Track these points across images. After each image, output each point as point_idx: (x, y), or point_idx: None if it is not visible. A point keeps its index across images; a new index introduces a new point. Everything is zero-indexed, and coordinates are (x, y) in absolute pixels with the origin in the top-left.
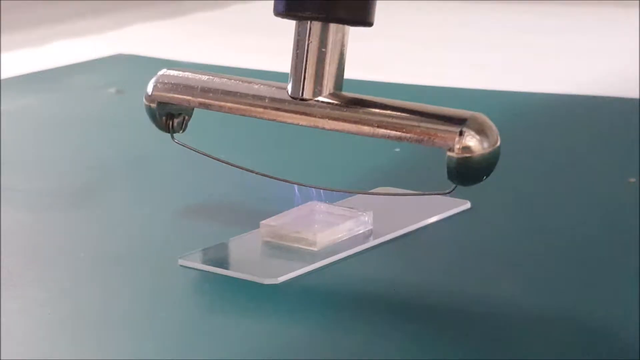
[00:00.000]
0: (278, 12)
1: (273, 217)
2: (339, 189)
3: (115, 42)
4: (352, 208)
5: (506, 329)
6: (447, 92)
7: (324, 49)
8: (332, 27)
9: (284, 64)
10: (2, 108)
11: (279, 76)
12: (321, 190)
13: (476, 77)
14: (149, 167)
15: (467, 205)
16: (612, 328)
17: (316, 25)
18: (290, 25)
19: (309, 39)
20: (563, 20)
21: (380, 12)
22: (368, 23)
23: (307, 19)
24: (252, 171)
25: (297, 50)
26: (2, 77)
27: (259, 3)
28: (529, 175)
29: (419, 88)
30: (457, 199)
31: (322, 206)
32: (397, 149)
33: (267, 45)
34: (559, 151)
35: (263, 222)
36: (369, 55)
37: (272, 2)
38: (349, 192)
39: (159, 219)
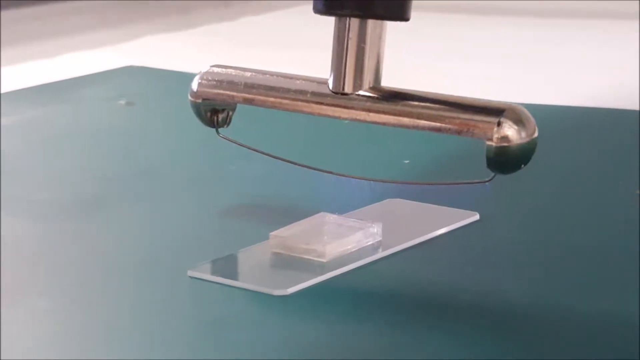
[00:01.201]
0: (318, 10)
1: (282, 229)
2: (376, 179)
3: (125, 54)
4: (361, 220)
5: (515, 340)
6: None
7: (363, 44)
8: (371, 23)
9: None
10: (13, 119)
11: None
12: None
13: (477, 90)
14: (158, 179)
15: (476, 217)
16: (622, 334)
17: (355, 22)
18: (298, 38)
19: (348, 35)
20: (565, 34)
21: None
22: (405, 18)
23: (346, 15)
24: (294, 162)
25: (337, 46)
26: (14, 89)
27: (268, 16)
28: (535, 187)
29: None
30: (465, 211)
31: (331, 217)
32: (407, 161)
33: (277, 58)
34: (564, 162)
35: (272, 233)
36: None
37: (281, 15)
38: (385, 182)
39: (168, 230)
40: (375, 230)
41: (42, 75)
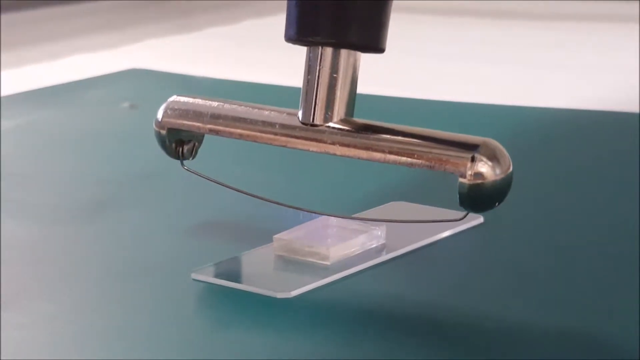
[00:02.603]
0: (289, 38)
1: (286, 231)
2: (344, 216)
3: (128, 56)
4: (365, 222)
5: (519, 343)
6: (448, 107)
7: (335, 75)
8: (344, 52)
9: (297, 79)
10: (16, 122)
11: (292, 90)
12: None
13: (479, 92)
14: (162, 182)
15: (480, 220)
16: (623, 339)
17: (327, 51)
18: None
19: (320, 65)
20: (565, 36)
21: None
22: (380, 49)
23: (318, 44)
24: (261, 198)
25: (308, 75)
26: (17, 91)
27: (272, 19)
28: (538, 190)
29: (420, 102)
30: (470, 214)
31: (335, 220)
32: None
33: (280, 60)
34: (566, 165)
35: (276, 236)
36: (378, 69)
37: (284, 18)
38: (356, 219)
39: (172, 233)
40: (379, 233)
41: (45, 78)
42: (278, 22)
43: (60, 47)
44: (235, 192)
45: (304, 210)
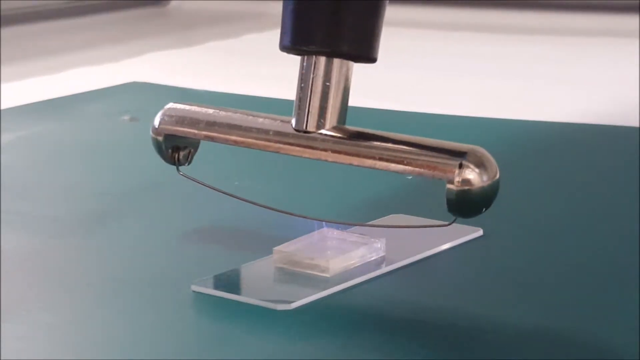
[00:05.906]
0: (284, 47)
1: (286, 244)
2: (343, 222)
3: (129, 70)
4: (364, 235)
5: (519, 355)
6: (448, 120)
7: (328, 83)
8: (337, 62)
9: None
10: (17, 134)
11: (291, 104)
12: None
13: (478, 106)
14: (162, 193)
15: (480, 232)
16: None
17: (321, 60)
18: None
19: (313, 73)
20: (565, 51)
21: (383, 40)
22: (372, 59)
23: (312, 53)
24: (255, 203)
25: (301, 84)
26: (18, 104)
27: (271, 33)
28: (538, 203)
29: (421, 116)
30: (469, 226)
31: (334, 233)
32: (410, 177)
33: (280, 74)
34: (566, 179)
35: (276, 248)
36: (373, 82)
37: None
38: (351, 225)
39: (172, 245)
40: (379, 245)
41: (45, 91)
42: (277, 37)
43: (61, 61)
44: (235, 202)
45: (308, 218)
